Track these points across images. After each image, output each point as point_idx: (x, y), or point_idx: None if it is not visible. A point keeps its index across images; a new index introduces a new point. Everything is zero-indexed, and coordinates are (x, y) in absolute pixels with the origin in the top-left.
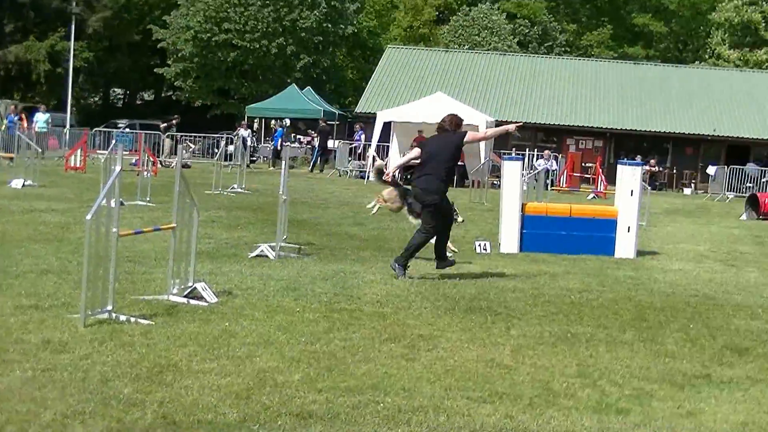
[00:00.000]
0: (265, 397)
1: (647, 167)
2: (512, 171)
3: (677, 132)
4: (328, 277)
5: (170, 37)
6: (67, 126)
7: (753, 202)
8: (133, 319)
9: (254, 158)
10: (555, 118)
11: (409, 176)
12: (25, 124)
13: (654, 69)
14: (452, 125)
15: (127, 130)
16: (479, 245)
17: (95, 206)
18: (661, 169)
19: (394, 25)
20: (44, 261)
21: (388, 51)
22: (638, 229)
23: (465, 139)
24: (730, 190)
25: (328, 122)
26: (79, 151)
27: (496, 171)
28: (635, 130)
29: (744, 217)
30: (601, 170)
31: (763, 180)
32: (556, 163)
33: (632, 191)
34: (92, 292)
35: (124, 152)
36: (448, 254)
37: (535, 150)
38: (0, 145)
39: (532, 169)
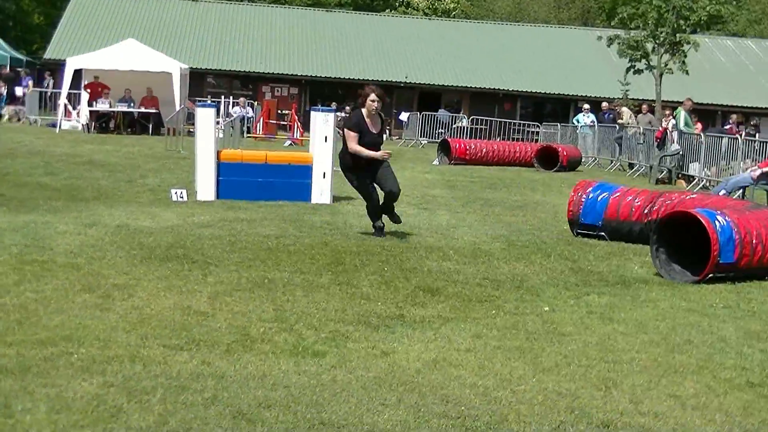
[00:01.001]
0: None
1: (342, 114)
2: (206, 118)
3: (371, 79)
4: (18, 228)
5: None
6: None
7: (445, 148)
8: None
9: None
10: (250, 66)
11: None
12: None
13: (348, 17)
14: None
15: None
16: (175, 193)
17: None
18: None
19: None
20: None
21: None
22: (333, 175)
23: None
24: (423, 136)
25: (16, 69)
26: None
27: (192, 119)
28: (330, 77)
29: (436, 162)
30: (296, 117)
31: (453, 126)
32: (252, 110)
33: (326, 137)
34: None
35: None
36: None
37: (231, 98)
38: None
39: (227, 116)
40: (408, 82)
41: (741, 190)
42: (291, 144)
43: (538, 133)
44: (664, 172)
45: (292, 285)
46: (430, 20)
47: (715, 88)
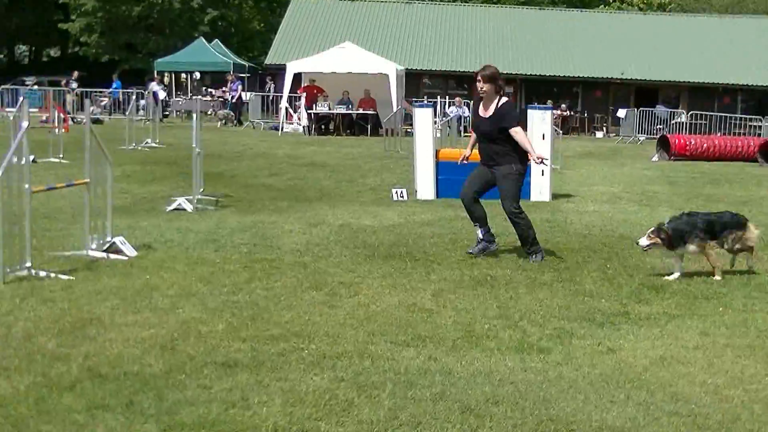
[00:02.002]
0: (189, 348)
1: (558, 112)
2: (424, 118)
3: (585, 76)
4: (246, 228)
5: None
6: None
7: (663, 144)
8: (53, 275)
9: (167, 112)
10: (465, 65)
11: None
12: None
13: (560, 14)
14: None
15: (36, 87)
16: (396, 192)
17: (5, 163)
18: (572, 113)
19: None
20: None
21: (294, 2)
22: (552, 173)
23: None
24: (641, 133)
25: (239, 75)
26: None
27: (409, 119)
28: (544, 75)
29: (655, 158)
30: None
31: (672, 122)
32: (468, 109)
33: (543, 135)
34: (9, 250)
35: (33, 109)
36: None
37: (447, 97)
38: None
39: (444, 116)
40: (624, 78)
41: None
42: None
43: (760, 127)
44: None
45: (515, 282)
46: (645, 15)
47: None
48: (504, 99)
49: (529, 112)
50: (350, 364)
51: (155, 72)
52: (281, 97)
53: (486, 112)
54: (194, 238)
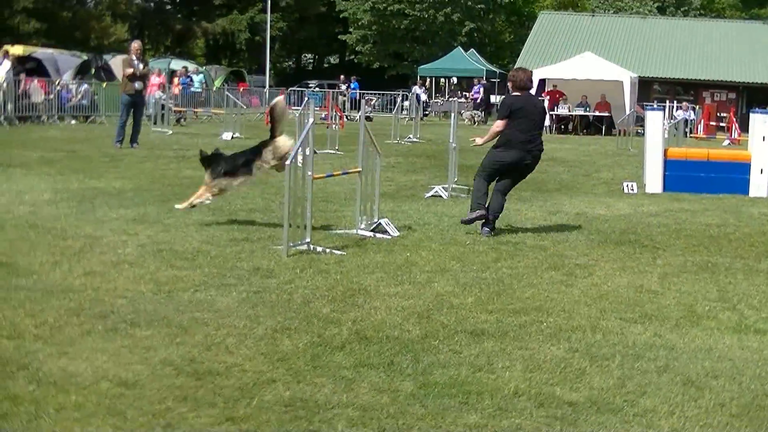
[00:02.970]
0: (443, 317)
1: None
2: (655, 120)
3: None
4: None
5: (351, 8)
6: (267, 86)
7: None
8: (327, 250)
9: (427, 112)
10: (692, 74)
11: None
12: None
13: None
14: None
15: (317, 89)
16: (627, 186)
17: (293, 154)
18: None
19: None
20: (252, 201)
21: (541, 16)
22: None
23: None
24: None
25: (490, 80)
26: None
27: (640, 121)
28: (765, 83)
29: None
30: (734, 119)
31: None
32: (694, 113)
33: (764, 137)
34: (292, 228)
35: (315, 108)
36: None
37: (675, 102)
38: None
39: (672, 119)
40: None
41: None
42: (729, 143)
43: None
44: None
45: (734, 269)
46: None
47: None
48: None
49: (751, 115)
50: (583, 336)
51: (418, 77)
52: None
53: None
54: (448, 221)
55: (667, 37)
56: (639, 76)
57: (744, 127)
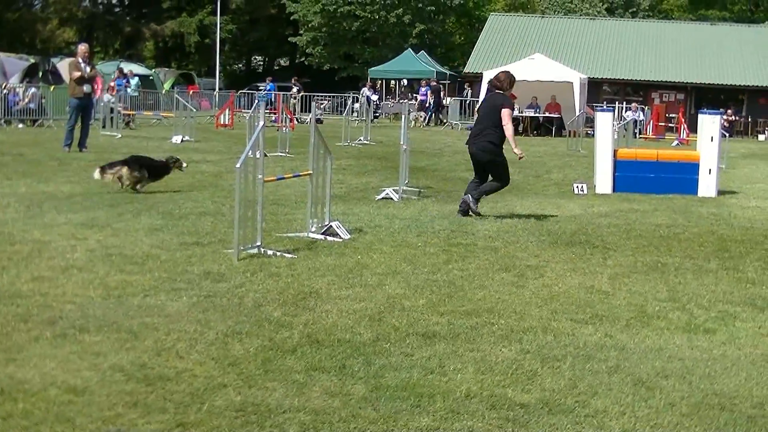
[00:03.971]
0: (394, 320)
1: (725, 116)
2: (605, 121)
3: (751, 84)
4: (445, 215)
5: (301, 9)
6: (216, 89)
7: None
8: (278, 253)
9: (377, 114)
10: (641, 75)
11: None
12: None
13: (729, 29)
14: (508, 84)
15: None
16: (577, 187)
17: (243, 157)
18: (737, 118)
19: None
20: (202, 205)
21: (491, 18)
22: (718, 171)
23: (502, 112)
24: None
25: (441, 81)
26: (227, 110)
27: (589, 122)
28: (713, 83)
29: None
30: (683, 120)
31: None
32: (643, 114)
33: (712, 137)
34: (243, 231)
35: (265, 111)
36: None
37: (624, 103)
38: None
39: (621, 119)
40: None
41: None
42: (678, 144)
43: None
44: None
45: (683, 269)
46: None
47: None
48: None
49: (700, 116)
50: (535, 338)
51: (369, 79)
52: (477, 101)
53: None
54: (399, 223)
55: (617, 39)
56: (589, 77)
57: (693, 128)
